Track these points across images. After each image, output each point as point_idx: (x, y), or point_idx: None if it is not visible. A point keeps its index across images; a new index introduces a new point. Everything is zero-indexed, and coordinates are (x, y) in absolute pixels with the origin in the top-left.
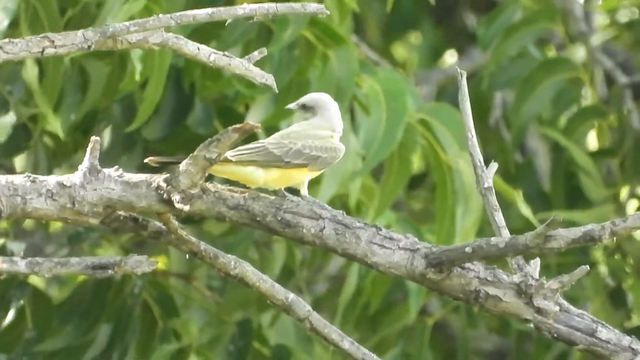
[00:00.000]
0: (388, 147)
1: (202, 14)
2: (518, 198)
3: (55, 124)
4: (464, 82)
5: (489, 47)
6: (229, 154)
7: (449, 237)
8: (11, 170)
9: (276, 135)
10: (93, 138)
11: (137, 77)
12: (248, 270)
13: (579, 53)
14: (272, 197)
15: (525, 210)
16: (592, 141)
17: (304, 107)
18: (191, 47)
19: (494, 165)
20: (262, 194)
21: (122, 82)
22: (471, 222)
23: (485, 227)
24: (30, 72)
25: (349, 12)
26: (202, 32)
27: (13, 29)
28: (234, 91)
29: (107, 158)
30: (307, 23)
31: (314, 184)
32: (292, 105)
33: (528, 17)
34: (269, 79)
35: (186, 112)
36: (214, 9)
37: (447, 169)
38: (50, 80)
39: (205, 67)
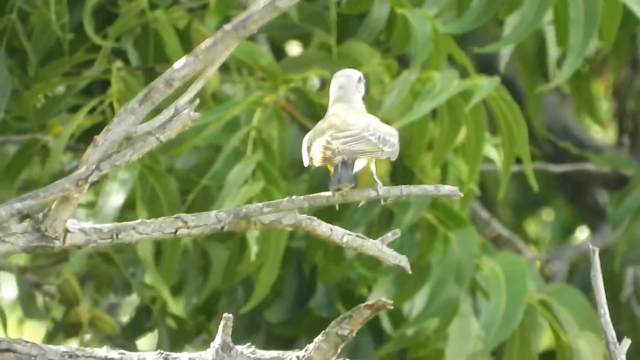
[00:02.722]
0: (508, 329)
1: (336, 196)
2: None
3: (172, 304)
4: (596, 259)
5: (619, 226)
6: (336, 145)
7: None
8: None
9: (337, 123)
10: (225, 315)
11: (253, 258)
12: None
13: None
14: None
15: None
16: None
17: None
18: (324, 229)
19: (627, 342)
20: None
21: (240, 264)
22: None
23: None
24: (145, 251)
25: (472, 197)
26: (326, 213)
27: (132, 210)
28: (355, 274)
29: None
30: (428, 205)
31: None
32: None
33: None
34: (402, 260)
35: (308, 295)
36: (347, 191)
37: (568, 350)
38: (167, 262)
39: (328, 249)
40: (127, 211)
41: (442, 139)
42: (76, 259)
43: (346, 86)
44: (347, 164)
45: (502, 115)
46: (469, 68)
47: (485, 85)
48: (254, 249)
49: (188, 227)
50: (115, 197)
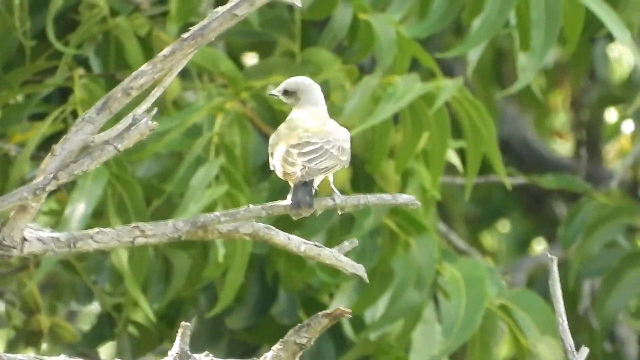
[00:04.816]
0: (467, 332)
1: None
2: None
3: (146, 308)
4: (554, 268)
5: (569, 246)
6: (298, 161)
7: None
8: None
9: (300, 131)
10: (183, 324)
11: (220, 260)
12: None
13: None
14: None
15: None
16: None
17: (287, 93)
18: (282, 238)
19: (585, 350)
20: None
21: (204, 270)
22: None
23: None
24: (121, 258)
25: (433, 203)
26: (286, 220)
27: (98, 218)
28: (318, 281)
29: (192, 349)
30: (389, 211)
31: None
32: (274, 92)
33: (607, 214)
34: (359, 269)
35: (270, 302)
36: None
37: (528, 354)
38: (135, 267)
39: (290, 256)
40: (93, 219)
41: (405, 145)
42: (42, 269)
43: (307, 89)
44: (307, 184)
45: (467, 116)
46: (435, 71)
47: (449, 87)
48: (221, 250)
49: (146, 236)
50: (83, 205)
